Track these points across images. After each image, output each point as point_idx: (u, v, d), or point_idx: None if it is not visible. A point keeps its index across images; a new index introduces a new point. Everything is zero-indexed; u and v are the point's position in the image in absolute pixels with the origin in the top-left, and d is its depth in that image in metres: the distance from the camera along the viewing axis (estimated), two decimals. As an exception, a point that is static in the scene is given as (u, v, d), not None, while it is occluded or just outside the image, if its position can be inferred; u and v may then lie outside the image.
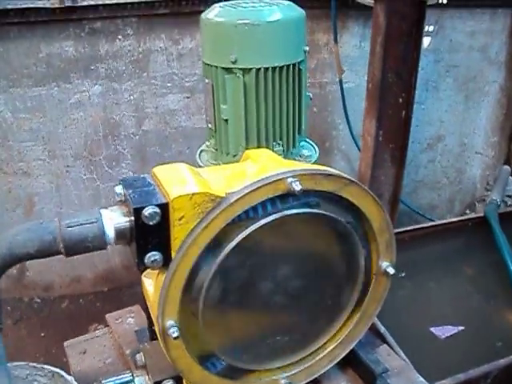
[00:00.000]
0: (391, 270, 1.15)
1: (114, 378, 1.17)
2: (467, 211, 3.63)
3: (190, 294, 1.00)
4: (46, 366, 1.30)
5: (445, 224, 2.46)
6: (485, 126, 3.43)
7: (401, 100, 2.40)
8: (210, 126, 1.52)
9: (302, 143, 1.60)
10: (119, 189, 1.01)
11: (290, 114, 1.54)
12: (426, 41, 2.96)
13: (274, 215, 0.99)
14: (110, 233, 0.97)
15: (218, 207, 0.96)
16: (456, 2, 2.92)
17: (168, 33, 2.63)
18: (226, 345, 1.08)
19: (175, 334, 0.99)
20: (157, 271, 1.04)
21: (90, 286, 3.07)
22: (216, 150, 1.54)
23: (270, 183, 0.98)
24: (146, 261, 0.97)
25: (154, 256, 0.97)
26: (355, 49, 2.91)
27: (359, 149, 2.69)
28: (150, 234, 0.95)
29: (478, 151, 3.51)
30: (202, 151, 1.66)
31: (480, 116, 3.39)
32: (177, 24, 2.62)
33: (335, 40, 2.64)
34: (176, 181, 1.00)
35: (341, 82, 2.76)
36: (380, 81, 2.32)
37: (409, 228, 2.36)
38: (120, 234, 0.98)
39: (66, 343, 1.55)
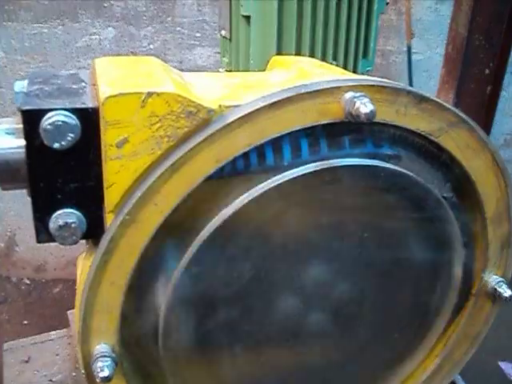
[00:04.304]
0: (505, 291, 0.72)
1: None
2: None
3: (143, 298, 0.58)
4: None
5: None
6: None
7: (487, 71, 1.93)
8: (223, 33, 1.01)
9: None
10: (20, 86, 0.53)
11: (352, 22, 0.95)
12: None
13: (313, 165, 0.57)
14: (-14, 163, 0.50)
15: (202, 130, 0.51)
16: None
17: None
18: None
19: (105, 373, 0.53)
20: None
21: (89, 271, 2.70)
22: (230, 71, 1.03)
23: (310, 94, 0.50)
24: (50, 225, 0.50)
25: (66, 217, 0.52)
26: (429, 12, 2.48)
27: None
28: (58, 171, 0.49)
29: None
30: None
31: None
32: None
33: (407, -5, 2.18)
34: (123, 75, 0.51)
35: (409, 49, 2.35)
36: (465, 42, 1.83)
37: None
38: (4, 167, 0.50)
39: (5, 345, 1.20)
